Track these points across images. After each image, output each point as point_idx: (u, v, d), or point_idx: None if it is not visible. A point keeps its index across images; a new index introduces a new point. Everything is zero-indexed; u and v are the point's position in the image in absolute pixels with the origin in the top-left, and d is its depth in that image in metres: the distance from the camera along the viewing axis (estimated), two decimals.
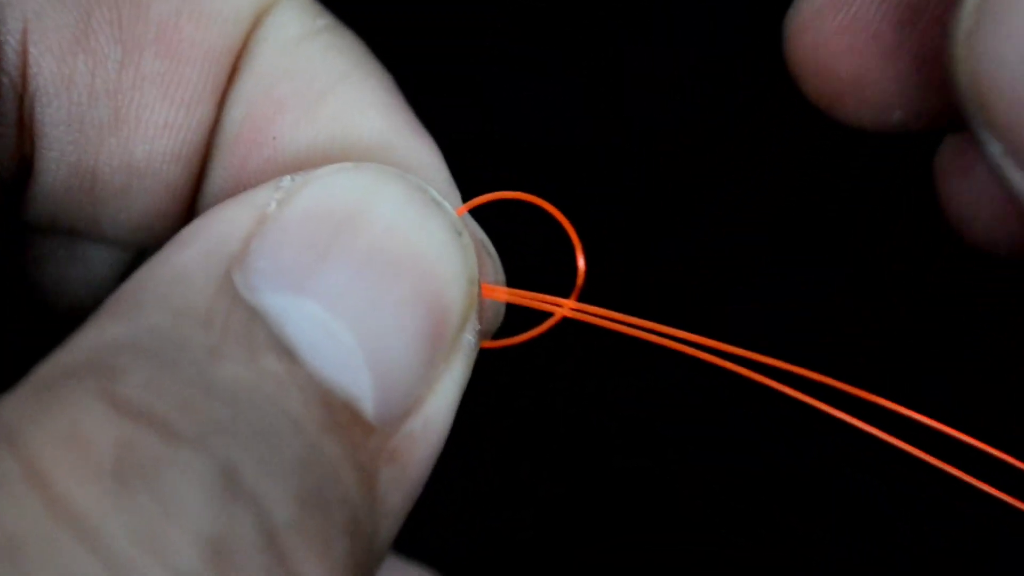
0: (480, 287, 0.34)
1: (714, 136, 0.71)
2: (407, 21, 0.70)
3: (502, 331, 0.38)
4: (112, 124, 0.37)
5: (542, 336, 0.38)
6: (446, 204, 0.33)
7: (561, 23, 0.70)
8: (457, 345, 0.32)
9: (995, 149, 0.31)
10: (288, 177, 0.33)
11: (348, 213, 0.31)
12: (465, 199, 0.37)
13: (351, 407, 0.30)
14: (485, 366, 0.34)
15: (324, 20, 0.39)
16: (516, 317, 0.38)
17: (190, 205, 0.39)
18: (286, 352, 0.30)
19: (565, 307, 0.37)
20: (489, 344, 0.37)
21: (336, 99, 0.37)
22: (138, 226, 0.39)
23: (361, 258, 0.31)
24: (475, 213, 0.38)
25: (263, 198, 0.32)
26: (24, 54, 0.36)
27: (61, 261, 0.41)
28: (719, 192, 0.70)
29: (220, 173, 0.38)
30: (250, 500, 0.27)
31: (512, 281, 0.38)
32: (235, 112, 0.37)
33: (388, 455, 0.31)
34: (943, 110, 0.37)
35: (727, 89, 0.71)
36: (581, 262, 0.38)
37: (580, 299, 0.37)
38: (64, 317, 0.41)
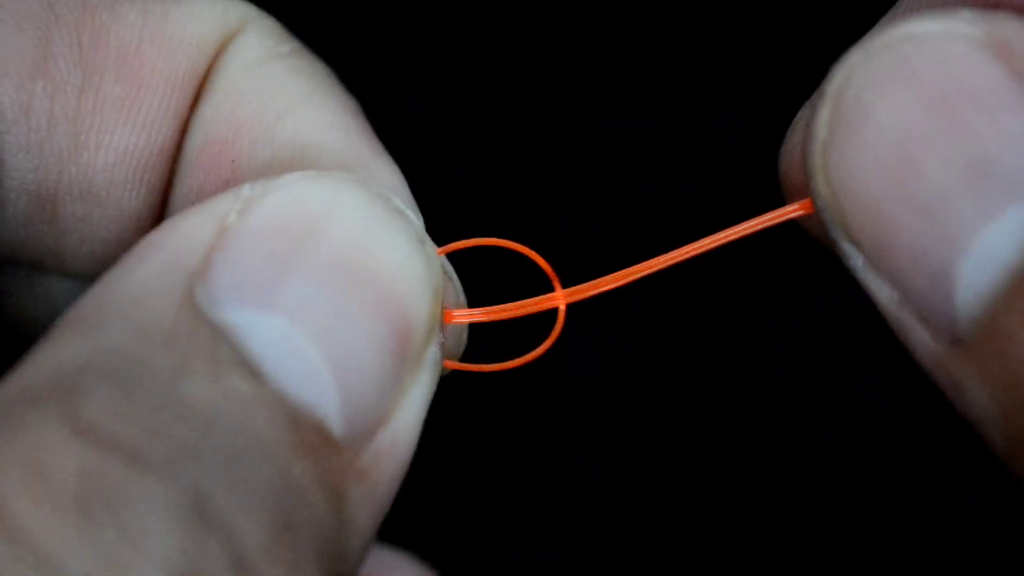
0: (443, 312, 0.33)
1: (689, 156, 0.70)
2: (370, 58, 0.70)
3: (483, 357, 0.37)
4: (72, 150, 0.36)
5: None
6: (409, 212, 0.32)
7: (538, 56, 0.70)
8: (423, 358, 0.32)
9: (857, 262, 0.31)
10: (248, 185, 0.32)
11: (309, 223, 0.31)
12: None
13: (319, 426, 0.29)
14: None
15: (289, 46, 0.38)
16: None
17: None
18: (251, 371, 0.29)
19: (559, 299, 0.36)
20: (476, 367, 0.37)
21: (295, 120, 0.36)
22: (101, 257, 0.38)
23: (324, 270, 0.30)
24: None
25: (223, 208, 0.31)
26: None
27: (22, 295, 0.40)
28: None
29: (182, 199, 0.37)
30: (220, 529, 0.26)
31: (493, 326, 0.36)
32: (196, 136, 0.37)
33: (357, 474, 0.30)
34: None
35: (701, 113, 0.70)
36: (562, 305, 0.37)
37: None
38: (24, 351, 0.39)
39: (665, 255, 0.36)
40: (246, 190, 0.31)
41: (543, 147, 0.71)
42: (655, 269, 0.36)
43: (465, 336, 0.37)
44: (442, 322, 0.33)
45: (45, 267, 0.39)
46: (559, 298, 0.37)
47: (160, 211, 0.38)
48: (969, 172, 0.29)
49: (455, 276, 0.36)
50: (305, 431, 0.29)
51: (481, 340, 0.38)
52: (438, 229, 0.36)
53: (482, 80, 0.70)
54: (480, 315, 0.36)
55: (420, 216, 0.35)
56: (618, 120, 0.70)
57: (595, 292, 0.36)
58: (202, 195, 0.36)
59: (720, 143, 0.70)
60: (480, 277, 0.45)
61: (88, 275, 0.39)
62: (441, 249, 0.35)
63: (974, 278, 0.29)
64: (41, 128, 0.36)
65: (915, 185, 0.30)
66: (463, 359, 0.37)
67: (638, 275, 0.36)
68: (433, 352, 0.32)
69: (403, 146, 0.41)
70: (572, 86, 0.70)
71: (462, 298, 0.37)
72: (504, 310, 0.36)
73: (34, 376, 0.28)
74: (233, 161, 0.36)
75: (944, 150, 0.29)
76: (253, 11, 0.39)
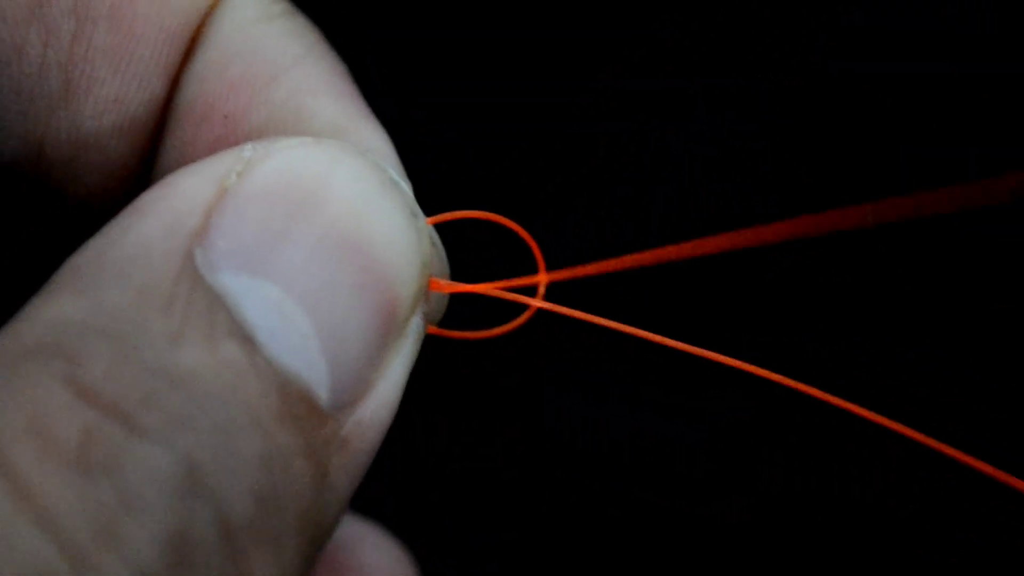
0: (428, 280, 0.34)
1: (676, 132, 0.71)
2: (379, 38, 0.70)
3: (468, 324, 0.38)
4: (62, 96, 0.37)
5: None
6: (402, 184, 0.33)
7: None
8: (407, 329, 0.32)
9: None
10: (249, 145, 0.32)
11: (307, 190, 0.31)
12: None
13: (306, 396, 0.30)
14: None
15: (280, 6, 0.39)
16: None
17: (139, 184, 0.38)
18: (246, 338, 0.29)
19: (540, 281, 0.37)
20: (461, 335, 0.37)
21: (289, 82, 0.37)
22: (82, 201, 0.38)
23: (318, 238, 0.31)
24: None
25: (224, 168, 0.31)
26: None
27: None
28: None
29: (171, 152, 0.38)
30: (210, 498, 0.27)
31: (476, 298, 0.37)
32: (188, 91, 0.37)
33: (340, 443, 0.31)
34: None
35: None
36: (543, 277, 0.37)
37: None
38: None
39: (671, 247, 0.36)
40: (247, 151, 0.32)
41: (516, 150, 0.71)
42: (646, 262, 0.36)
43: (445, 303, 0.38)
44: (427, 291, 0.33)
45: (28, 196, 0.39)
46: (541, 277, 0.37)
47: (148, 162, 0.38)
48: None
49: (440, 243, 0.37)
50: (293, 401, 0.29)
51: (459, 308, 0.38)
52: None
53: (455, 83, 0.71)
54: (463, 287, 0.36)
55: (410, 185, 0.35)
56: (591, 123, 0.71)
57: (577, 275, 0.37)
58: (193, 149, 0.37)
59: (692, 146, 0.70)
60: (462, 248, 0.45)
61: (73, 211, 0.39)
62: (430, 219, 0.35)
63: None
64: (32, 72, 0.36)
65: None
66: (441, 325, 0.37)
67: (624, 267, 0.36)
68: (417, 322, 0.33)
69: None
70: (545, 89, 0.70)
71: (446, 265, 0.37)
72: (488, 285, 0.37)
73: (34, 330, 0.28)
74: (226, 116, 0.36)
75: None
76: None
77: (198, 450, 0.27)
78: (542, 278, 0.37)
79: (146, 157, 0.38)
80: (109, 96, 0.37)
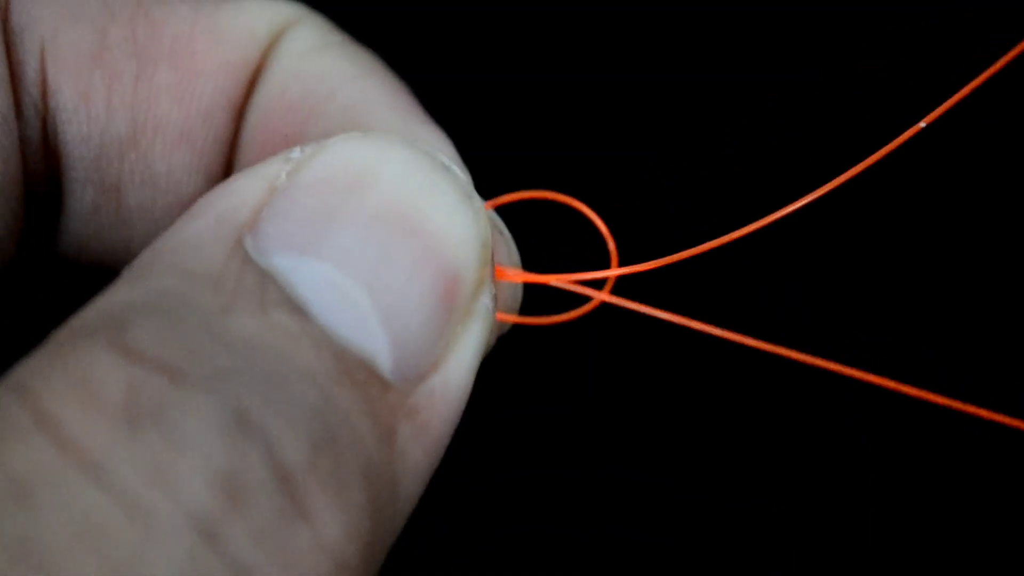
0: (494, 267, 0.33)
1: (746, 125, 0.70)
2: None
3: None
4: (131, 137, 0.37)
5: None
6: (455, 168, 0.33)
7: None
8: (473, 308, 0.32)
9: None
10: (298, 148, 0.32)
11: (356, 177, 0.31)
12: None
13: (367, 364, 0.30)
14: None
15: (339, 36, 0.39)
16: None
17: None
18: (298, 309, 0.29)
19: (610, 276, 0.36)
20: (521, 320, 0.37)
21: (345, 97, 0.37)
22: None
23: (370, 219, 0.31)
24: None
25: (274, 170, 0.32)
26: (43, 72, 0.37)
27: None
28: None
29: None
30: (260, 439, 0.27)
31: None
32: (251, 122, 0.38)
33: (407, 412, 0.31)
34: None
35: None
36: (612, 246, 0.38)
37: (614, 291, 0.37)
38: None
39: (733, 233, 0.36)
40: (296, 153, 0.32)
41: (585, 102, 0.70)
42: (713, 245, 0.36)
43: (520, 293, 0.38)
44: (494, 276, 0.34)
45: (112, 262, 0.40)
46: (612, 272, 0.37)
47: None
48: None
49: (507, 231, 0.37)
50: (352, 366, 0.30)
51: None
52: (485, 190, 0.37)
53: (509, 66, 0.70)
54: (531, 277, 0.36)
55: (467, 173, 0.36)
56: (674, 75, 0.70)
57: (649, 268, 0.37)
58: None
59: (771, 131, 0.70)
60: (528, 232, 0.46)
61: None
62: (489, 203, 0.36)
63: None
64: (100, 117, 0.37)
65: None
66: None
67: (694, 253, 0.36)
68: (485, 303, 0.33)
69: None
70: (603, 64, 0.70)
71: (515, 253, 0.37)
72: (557, 276, 0.37)
73: (87, 316, 0.29)
74: (286, 136, 0.37)
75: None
76: (303, 8, 0.40)
77: (246, 396, 0.27)
78: (612, 272, 0.37)
79: None
80: (175, 132, 0.37)
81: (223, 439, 0.26)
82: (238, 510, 0.26)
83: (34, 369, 0.27)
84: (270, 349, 0.28)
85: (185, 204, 0.38)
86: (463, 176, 0.33)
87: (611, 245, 0.38)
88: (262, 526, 0.26)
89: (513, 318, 0.37)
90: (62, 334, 0.28)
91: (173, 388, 0.27)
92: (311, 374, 0.29)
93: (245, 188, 0.31)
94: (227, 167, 0.39)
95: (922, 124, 0.34)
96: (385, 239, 0.30)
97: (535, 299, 0.39)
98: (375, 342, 0.30)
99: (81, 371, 0.27)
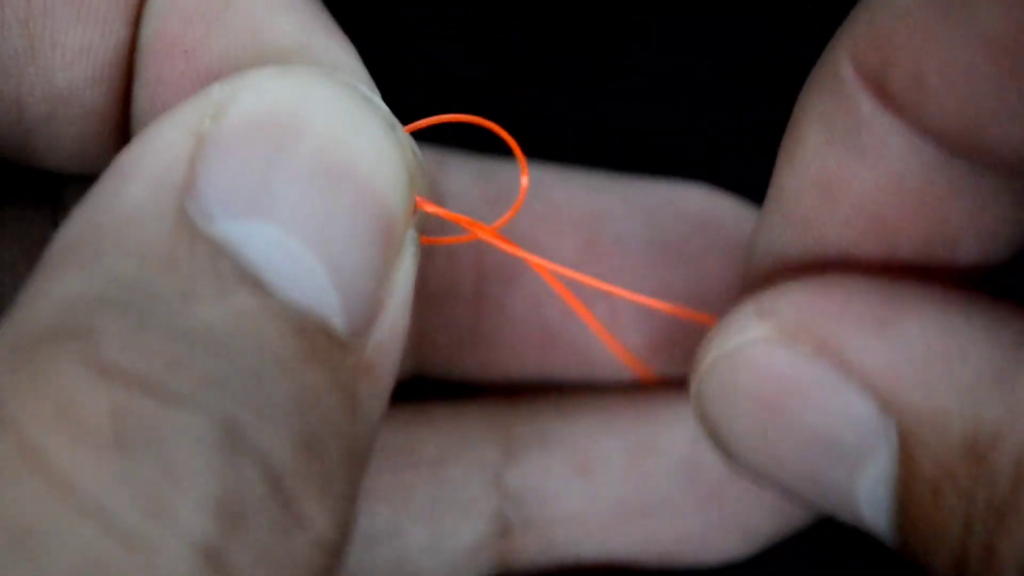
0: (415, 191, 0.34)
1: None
2: None
3: None
4: (28, 52, 0.36)
5: None
6: (376, 99, 0.33)
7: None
8: (404, 240, 0.32)
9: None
10: (216, 87, 0.32)
11: (283, 125, 0.31)
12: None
13: (324, 328, 0.30)
14: None
15: None
16: None
17: (120, 128, 0.38)
18: (254, 283, 0.29)
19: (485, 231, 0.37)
20: (447, 240, 0.39)
21: (243, 4, 0.36)
22: (71, 155, 0.38)
23: (306, 170, 0.30)
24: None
25: (195, 115, 0.31)
26: None
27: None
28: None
29: (141, 96, 0.37)
30: (253, 452, 0.27)
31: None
32: (147, 30, 0.37)
33: (364, 369, 0.31)
34: None
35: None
36: (524, 180, 0.38)
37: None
38: None
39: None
40: (215, 93, 0.31)
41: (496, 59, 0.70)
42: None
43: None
44: (416, 205, 0.34)
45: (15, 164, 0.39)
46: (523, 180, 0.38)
47: (125, 106, 0.38)
48: (816, 449, 0.35)
49: (419, 152, 0.36)
50: (313, 336, 0.30)
51: None
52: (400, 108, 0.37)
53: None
54: (446, 213, 0.37)
55: (379, 93, 0.35)
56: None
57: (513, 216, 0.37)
58: (160, 89, 0.37)
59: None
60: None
61: (61, 171, 0.40)
62: (408, 127, 0.35)
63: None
64: None
65: (782, 475, 0.37)
66: None
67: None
68: (411, 234, 0.33)
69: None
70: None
71: (428, 171, 0.37)
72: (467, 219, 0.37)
73: (44, 312, 0.28)
74: (186, 52, 0.36)
75: (789, 441, 0.36)
76: None
77: (232, 406, 0.27)
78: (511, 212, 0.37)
79: (122, 102, 0.38)
80: (75, 45, 0.37)
81: (218, 460, 0.26)
82: (237, 530, 0.26)
83: (5, 387, 0.26)
84: (240, 340, 0.28)
85: (88, 114, 0.38)
86: (383, 106, 0.33)
87: (524, 180, 0.38)
88: (261, 542, 0.26)
89: (436, 239, 0.38)
90: (21, 334, 0.27)
91: (159, 408, 0.26)
92: (281, 360, 0.29)
93: (171, 142, 0.31)
94: (127, 80, 0.38)
95: None
96: (323, 190, 0.30)
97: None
98: (328, 300, 0.30)
99: (61, 395, 0.26)
